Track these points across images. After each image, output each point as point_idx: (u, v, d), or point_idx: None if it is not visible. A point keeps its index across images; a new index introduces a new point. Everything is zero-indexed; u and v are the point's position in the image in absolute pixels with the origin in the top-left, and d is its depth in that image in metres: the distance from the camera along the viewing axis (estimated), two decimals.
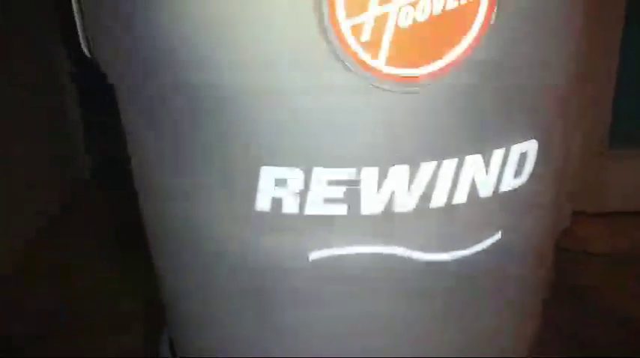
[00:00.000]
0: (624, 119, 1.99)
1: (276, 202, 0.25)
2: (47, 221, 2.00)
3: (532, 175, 0.26)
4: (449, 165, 0.24)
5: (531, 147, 0.26)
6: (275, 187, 0.24)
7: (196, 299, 0.31)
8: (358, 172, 0.23)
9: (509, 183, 0.26)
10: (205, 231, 0.28)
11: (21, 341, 1.36)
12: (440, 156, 0.23)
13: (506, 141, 0.25)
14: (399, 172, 0.24)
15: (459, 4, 0.20)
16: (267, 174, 0.24)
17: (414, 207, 0.25)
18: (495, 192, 0.25)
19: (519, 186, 0.26)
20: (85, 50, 0.38)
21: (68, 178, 2.39)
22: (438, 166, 0.24)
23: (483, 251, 0.27)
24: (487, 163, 0.25)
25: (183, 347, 0.39)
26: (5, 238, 1.89)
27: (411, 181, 0.24)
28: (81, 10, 0.31)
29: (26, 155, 1.94)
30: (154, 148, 0.28)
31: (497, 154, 0.25)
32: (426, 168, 0.24)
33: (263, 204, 0.25)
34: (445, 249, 0.26)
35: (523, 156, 0.26)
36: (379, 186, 0.24)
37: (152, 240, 0.35)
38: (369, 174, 0.24)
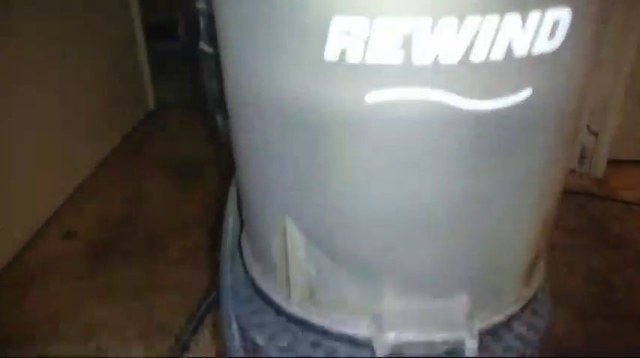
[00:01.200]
0: None
1: (343, 52, 0.30)
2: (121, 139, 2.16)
3: (564, 43, 0.31)
4: (490, 20, 0.29)
5: (564, 14, 0.30)
6: (343, 36, 0.30)
7: (267, 151, 0.38)
8: (414, 21, 0.29)
9: (543, 46, 0.30)
10: (280, 83, 0.34)
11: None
12: (483, 11, 0.28)
13: (542, 3, 0.29)
14: (447, 23, 0.29)
15: None
16: (338, 23, 0.29)
17: (459, 59, 0.30)
18: (529, 53, 0.30)
19: (551, 52, 0.31)
20: None
21: (136, 107, 2.53)
22: (481, 21, 0.29)
23: (517, 104, 0.32)
24: (524, 23, 0.29)
25: (248, 211, 0.47)
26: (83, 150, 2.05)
27: (457, 33, 0.29)
28: None
29: (98, 83, 2.08)
30: (237, 9, 0.34)
31: (533, 16, 0.29)
32: (471, 20, 0.29)
33: (331, 53, 0.31)
34: (484, 97, 0.31)
35: (556, 23, 0.30)
36: (430, 35, 0.29)
37: (233, 107, 0.41)
38: (422, 24, 0.29)
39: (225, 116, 0.46)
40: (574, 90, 0.35)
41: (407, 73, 0.30)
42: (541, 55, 0.31)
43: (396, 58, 0.30)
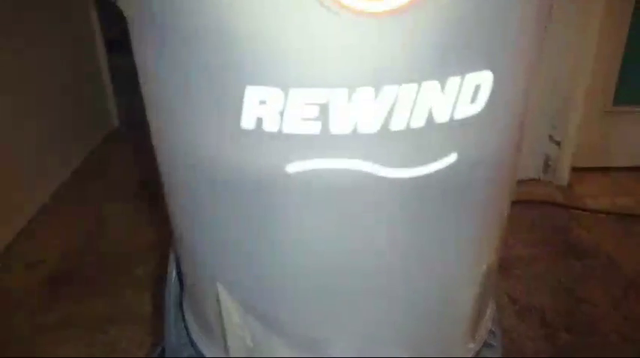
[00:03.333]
0: (630, 76, 1.97)
1: (259, 121, 0.29)
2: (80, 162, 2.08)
3: (487, 105, 0.30)
4: (408, 88, 0.27)
5: (485, 77, 0.29)
6: (258, 106, 0.28)
7: (194, 216, 0.36)
8: (329, 92, 0.27)
9: (464, 110, 0.29)
10: (200, 149, 0.32)
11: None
12: (400, 80, 0.27)
13: (461, 70, 0.28)
14: (364, 93, 0.27)
15: None
16: (251, 93, 0.28)
17: (378, 128, 0.28)
18: (451, 118, 0.29)
19: (474, 115, 0.30)
20: None
21: (98, 126, 2.45)
22: (399, 89, 0.27)
23: (442, 170, 0.31)
24: (443, 89, 0.28)
25: (187, 271, 0.44)
26: (40, 177, 1.98)
27: (374, 103, 0.27)
28: None
29: (57, 102, 2.01)
30: (157, 76, 0.32)
31: (453, 81, 0.28)
32: (388, 90, 0.27)
33: (247, 122, 0.29)
34: (406, 166, 0.30)
35: (477, 87, 0.29)
36: (347, 106, 0.28)
37: (161, 166, 0.39)
38: (339, 94, 0.27)
39: None
40: (504, 148, 0.34)
41: (325, 143, 0.29)
42: (464, 119, 0.30)
43: (313, 128, 0.28)
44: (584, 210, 1.88)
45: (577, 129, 1.88)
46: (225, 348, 0.41)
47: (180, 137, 0.33)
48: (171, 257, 0.54)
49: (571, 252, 1.67)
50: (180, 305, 0.51)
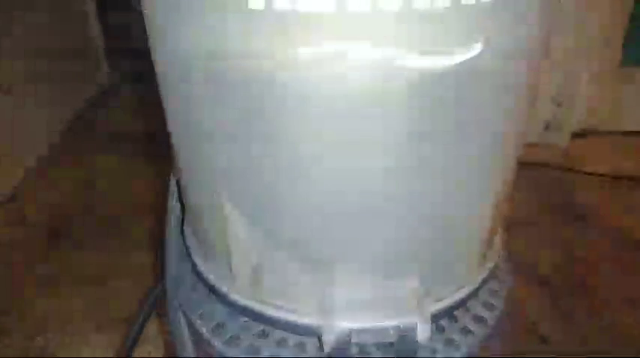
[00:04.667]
0: (637, 38, 1.92)
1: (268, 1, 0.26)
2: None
3: None
4: None
5: None
6: None
7: (196, 125, 0.33)
8: None
9: None
10: (205, 39, 0.29)
11: None
12: None
13: None
14: None
15: None
16: None
17: (400, 4, 0.26)
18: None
19: None
20: None
21: (87, 81, 2.40)
22: None
23: (465, 63, 0.28)
24: None
25: (186, 184, 0.42)
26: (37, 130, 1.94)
27: None
28: None
29: (47, 59, 1.95)
30: None
31: None
32: None
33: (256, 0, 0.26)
34: (427, 53, 0.27)
35: None
36: None
37: (161, 76, 0.36)
38: None
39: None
40: (528, 43, 0.31)
41: (342, 22, 0.26)
42: (491, 1, 0.27)
43: (329, 4, 0.25)
44: (584, 173, 1.87)
45: (579, 91, 1.85)
46: (230, 268, 0.39)
47: (180, 30, 0.30)
48: (171, 183, 0.52)
49: (570, 215, 1.67)
50: (182, 233, 0.49)
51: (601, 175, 1.92)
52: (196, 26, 0.29)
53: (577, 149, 2.01)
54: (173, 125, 0.38)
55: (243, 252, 0.37)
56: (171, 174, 0.56)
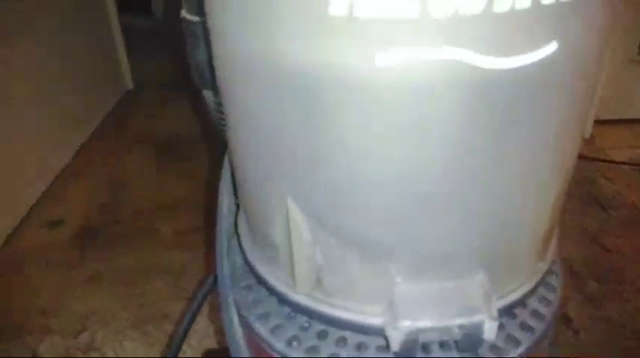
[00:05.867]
0: None
1: (350, 5, 0.26)
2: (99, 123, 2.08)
3: None
4: None
5: None
6: None
7: (263, 126, 0.34)
8: None
9: None
10: (278, 44, 0.30)
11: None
12: None
13: None
14: None
15: None
16: None
17: (481, 9, 0.26)
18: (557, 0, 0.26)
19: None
20: None
21: (112, 88, 2.45)
22: None
23: (541, 61, 0.28)
24: None
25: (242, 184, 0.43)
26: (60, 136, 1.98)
27: None
28: None
29: (72, 64, 1.99)
30: None
31: None
32: None
33: (337, 6, 0.26)
34: (507, 54, 0.27)
35: None
36: None
37: (223, 79, 0.37)
38: None
39: (216, 91, 0.42)
40: (599, 43, 0.31)
41: (423, 28, 0.26)
42: (569, 1, 0.27)
43: (411, 11, 0.26)
44: (607, 161, 1.85)
45: (602, 79, 1.81)
46: (291, 269, 0.40)
47: (254, 34, 0.30)
48: (224, 171, 0.52)
49: (595, 203, 1.65)
50: (235, 226, 0.50)
51: (623, 163, 1.89)
52: (272, 30, 0.29)
53: (599, 137, 1.98)
54: (232, 123, 0.39)
55: (305, 251, 0.38)
56: (222, 171, 0.56)
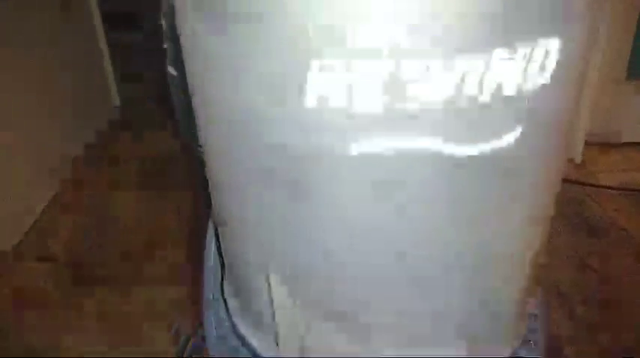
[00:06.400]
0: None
1: (324, 98, 0.27)
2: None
3: (553, 75, 0.28)
4: (477, 58, 0.26)
5: (554, 44, 0.27)
6: (323, 82, 0.26)
7: (244, 200, 0.35)
8: (396, 64, 0.25)
9: (532, 82, 0.28)
10: (256, 128, 0.30)
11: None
12: (470, 50, 0.25)
13: (530, 37, 0.26)
14: (432, 66, 0.26)
15: None
16: (316, 67, 0.26)
17: (445, 102, 0.27)
18: (519, 90, 0.28)
19: (541, 86, 0.28)
20: None
21: (99, 108, 2.38)
22: (468, 59, 0.26)
23: (507, 145, 0.29)
24: (512, 58, 0.26)
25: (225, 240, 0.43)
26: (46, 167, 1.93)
27: (443, 75, 0.26)
28: None
29: (57, 87, 1.94)
30: (214, 53, 0.30)
31: (522, 51, 0.26)
32: (458, 61, 0.26)
33: (311, 100, 0.27)
34: (472, 142, 0.28)
35: (546, 54, 0.27)
36: (416, 79, 0.26)
37: (207, 145, 0.37)
38: (406, 67, 0.26)
39: (198, 144, 0.42)
40: (564, 121, 0.32)
41: (392, 120, 0.27)
42: (530, 91, 0.28)
43: (379, 104, 0.27)
44: (598, 186, 1.86)
45: (590, 104, 1.84)
46: (275, 335, 0.40)
47: (236, 117, 0.31)
48: (210, 230, 0.53)
49: (586, 227, 1.66)
50: (221, 291, 0.50)
51: (611, 188, 1.90)
52: (255, 118, 0.30)
53: (590, 161, 2.00)
54: (216, 189, 0.39)
55: (288, 321, 0.38)
56: (208, 231, 0.56)
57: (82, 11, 2.17)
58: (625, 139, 2.17)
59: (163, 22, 0.46)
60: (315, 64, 0.26)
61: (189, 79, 0.36)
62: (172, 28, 0.41)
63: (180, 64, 0.46)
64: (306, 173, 0.30)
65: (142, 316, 1.36)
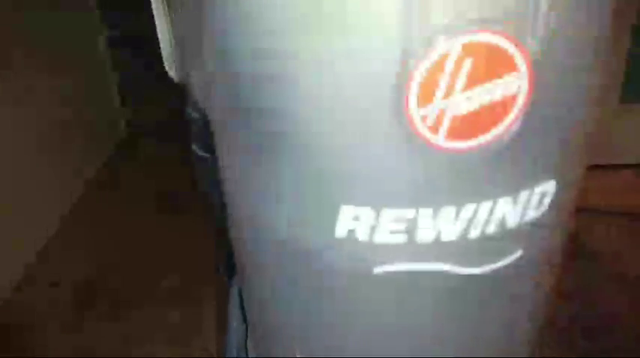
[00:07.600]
0: (637, 73, 1.97)
1: (352, 232, 0.32)
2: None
3: (550, 206, 0.34)
4: (486, 205, 0.31)
5: (551, 185, 0.33)
6: (351, 221, 0.32)
7: (278, 301, 0.40)
8: (416, 211, 0.31)
9: (531, 215, 0.33)
10: (291, 247, 0.36)
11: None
12: (479, 199, 0.31)
13: (530, 184, 0.32)
14: (446, 211, 0.31)
15: (503, 96, 0.27)
16: (346, 211, 0.31)
17: (457, 236, 0.32)
18: (520, 223, 0.33)
19: (539, 216, 0.34)
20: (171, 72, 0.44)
21: (106, 136, 2.40)
22: (477, 207, 0.31)
23: (508, 264, 0.34)
24: (515, 202, 0.32)
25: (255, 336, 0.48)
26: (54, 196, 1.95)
27: (455, 218, 0.31)
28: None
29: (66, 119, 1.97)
30: (246, 176, 0.35)
31: (523, 195, 0.32)
32: (468, 208, 0.31)
33: (341, 232, 0.32)
34: (478, 265, 0.34)
35: (543, 194, 0.33)
36: (432, 222, 0.31)
37: (236, 237, 0.42)
38: (425, 213, 0.31)
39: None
40: (561, 237, 0.38)
41: (410, 250, 0.32)
42: (529, 222, 0.33)
43: (400, 239, 0.32)
44: (593, 210, 1.90)
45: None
46: None
47: (273, 237, 0.36)
48: (233, 294, 0.57)
49: (581, 253, 1.70)
50: (245, 350, 0.54)
51: (608, 213, 1.92)
52: (290, 241, 0.35)
53: (584, 184, 2.04)
54: (256, 291, 0.44)
55: None
56: (231, 290, 0.61)
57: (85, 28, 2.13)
58: (620, 161, 2.20)
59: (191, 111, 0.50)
60: (344, 208, 0.31)
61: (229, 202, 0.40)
62: (202, 113, 0.45)
63: (208, 147, 0.51)
64: (336, 286, 0.36)
65: (154, 343, 1.39)
